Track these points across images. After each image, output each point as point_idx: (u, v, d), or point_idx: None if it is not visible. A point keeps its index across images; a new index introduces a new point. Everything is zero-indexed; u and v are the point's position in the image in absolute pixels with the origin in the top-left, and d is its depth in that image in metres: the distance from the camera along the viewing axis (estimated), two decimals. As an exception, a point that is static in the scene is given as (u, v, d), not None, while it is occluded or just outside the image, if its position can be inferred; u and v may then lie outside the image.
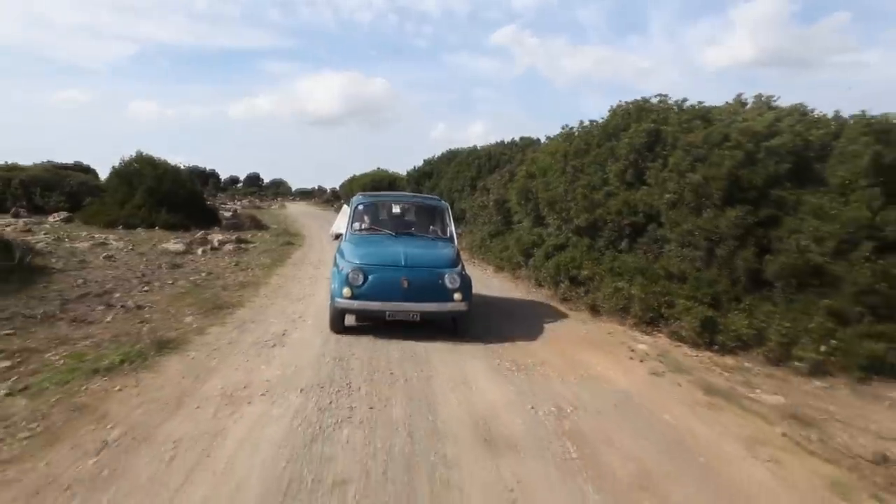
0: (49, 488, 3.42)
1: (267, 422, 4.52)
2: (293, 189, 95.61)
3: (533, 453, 4.21)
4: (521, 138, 24.56)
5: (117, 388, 5.09)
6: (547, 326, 8.13)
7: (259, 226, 26.48)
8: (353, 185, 38.39)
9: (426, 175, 29.26)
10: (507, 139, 25.06)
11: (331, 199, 62.85)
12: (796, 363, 6.89)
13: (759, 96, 10.64)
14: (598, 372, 6.17)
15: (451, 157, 28.09)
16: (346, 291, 6.94)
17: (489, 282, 11.50)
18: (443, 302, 7.01)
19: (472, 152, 25.62)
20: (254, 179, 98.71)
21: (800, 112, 9.97)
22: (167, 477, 3.60)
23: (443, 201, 9.00)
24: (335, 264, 7.69)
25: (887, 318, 7.09)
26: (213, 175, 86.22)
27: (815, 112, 10.21)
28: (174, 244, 15.48)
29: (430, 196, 9.77)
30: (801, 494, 3.90)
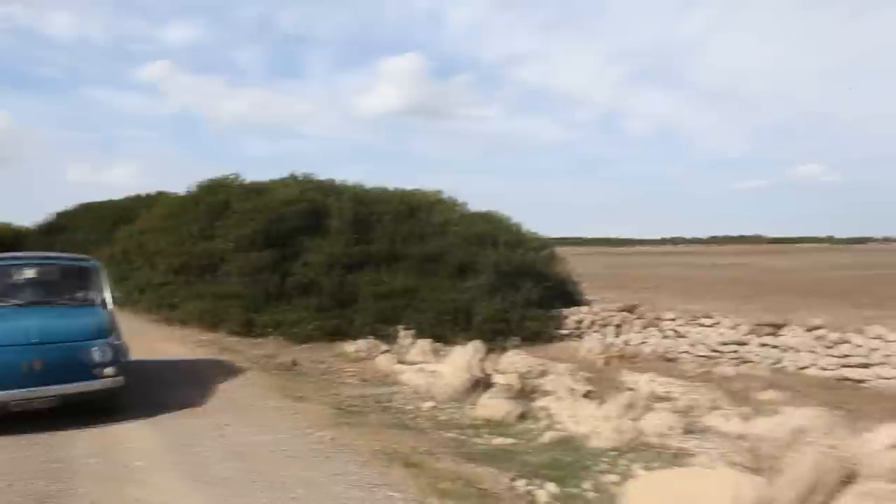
0: None
1: None
2: None
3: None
4: (159, 192, 27.53)
5: None
6: (146, 332, 12.16)
7: None
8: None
9: (60, 229, 29.38)
10: (144, 192, 27.67)
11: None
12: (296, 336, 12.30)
13: (302, 174, 16.31)
14: (167, 351, 10.58)
15: (87, 208, 29.52)
16: None
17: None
18: (89, 381, 6.20)
19: (107, 204, 27.84)
20: None
21: (324, 183, 15.93)
22: None
23: (94, 261, 8.24)
24: None
25: (346, 306, 12.99)
26: None
27: (340, 181, 16.33)
28: None
29: (75, 256, 8.84)
30: (236, 371, 8.86)
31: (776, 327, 11.38)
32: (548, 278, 14.17)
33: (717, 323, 12.09)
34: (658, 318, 12.95)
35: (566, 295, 15.13)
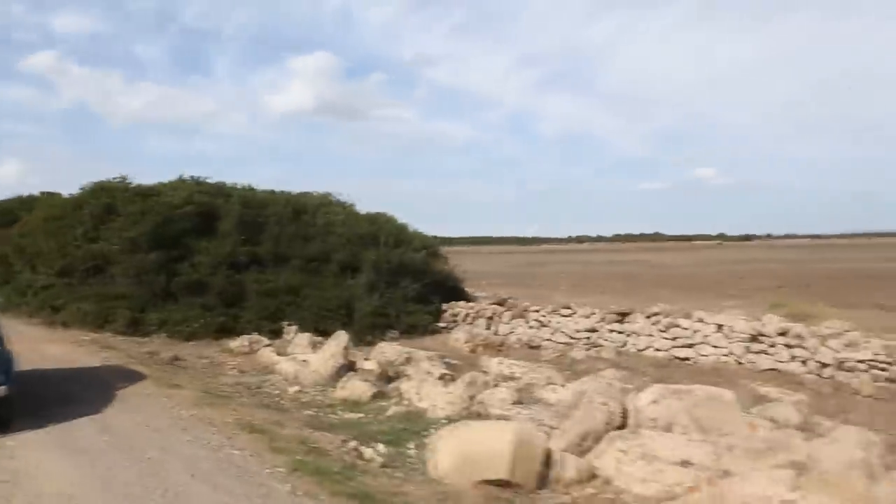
0: None
1: None
2: None
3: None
4: (42, 193, 26.87)
5: None
6: (28, 335, 12.31)
7: None
8: None
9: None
10: (27, 192, 26.89)
11: None
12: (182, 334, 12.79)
13: (190, 176, 16.68)
14: (50, 352, 10.89)
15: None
16: None
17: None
18: None
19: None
20: None
21: (214, 186, 16.37)
22: None
23: None
24: None
25: (233, 305, 13.60)
26: None
27: (231, 184, 16.80)
28: None
29: None
30: (117, 367, 9.38)
31: (622, 315, 12.94)
32: (428, 275, 15.27)
33: (574, 313, 13.54)
34: (525, 311, 14.30)
35: (448, 290, 16.29)
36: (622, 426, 6.30)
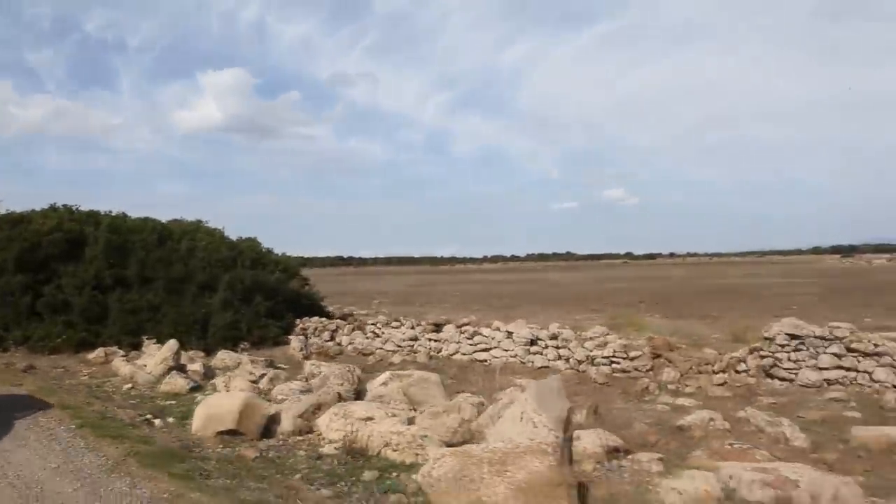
0: None
1: None
2: None
3: None
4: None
5: None
6: None
7: None
8: None
9: None
10: None
11: None
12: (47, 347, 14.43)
13: (63, 205, 18.25)
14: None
15: None
16: None
17: None
18: None
19: None
20: None
21: (83, 214, 18.00)
22: None
23: None
24: None
25: (97, 322, 15.33)
26: None
27: (107, 211, 18.43)
28: None
29: None
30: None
31: (438, 326, 15.50)
32: (280, 294, 17.44)
33: (402, 325, 16.02)
34: (363, 324, 16.68)
35: (305, 307, 18.50)
36: (358, 399, 8.75)
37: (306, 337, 16.24)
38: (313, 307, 19.00)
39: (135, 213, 18.94)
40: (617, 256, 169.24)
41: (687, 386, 11.53)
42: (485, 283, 60.23)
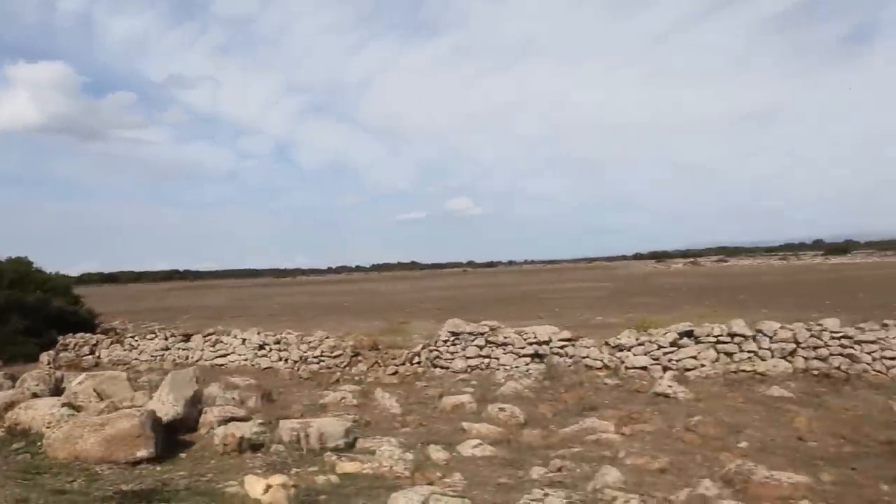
0: None
1: None
2: None
3: None
4: None
5: None
6: None
7: None
8: None
9: None
10: None
11: None
12: None
13: None
14: None
15: None
16: None
17: None
18: None
19: None
20: None
21: None
22: None
23: None
24: None
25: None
26: None
27: None
28: None
29: None
30: None
31: (188, 336, 17.68)
32: (42, 312, 18.76)
33: (156, 336, 18.03)
34: (122, 336, 18.47)
35: (72, 324, 19.87)
36: (58, 395, 10.88)
37: (56, 353, 17.72)
38: (84, 324, 20.37)
39: None
40: (458, 265, 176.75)
41: (368, 377, 14.66)
42: (311, 295, 62.33)
